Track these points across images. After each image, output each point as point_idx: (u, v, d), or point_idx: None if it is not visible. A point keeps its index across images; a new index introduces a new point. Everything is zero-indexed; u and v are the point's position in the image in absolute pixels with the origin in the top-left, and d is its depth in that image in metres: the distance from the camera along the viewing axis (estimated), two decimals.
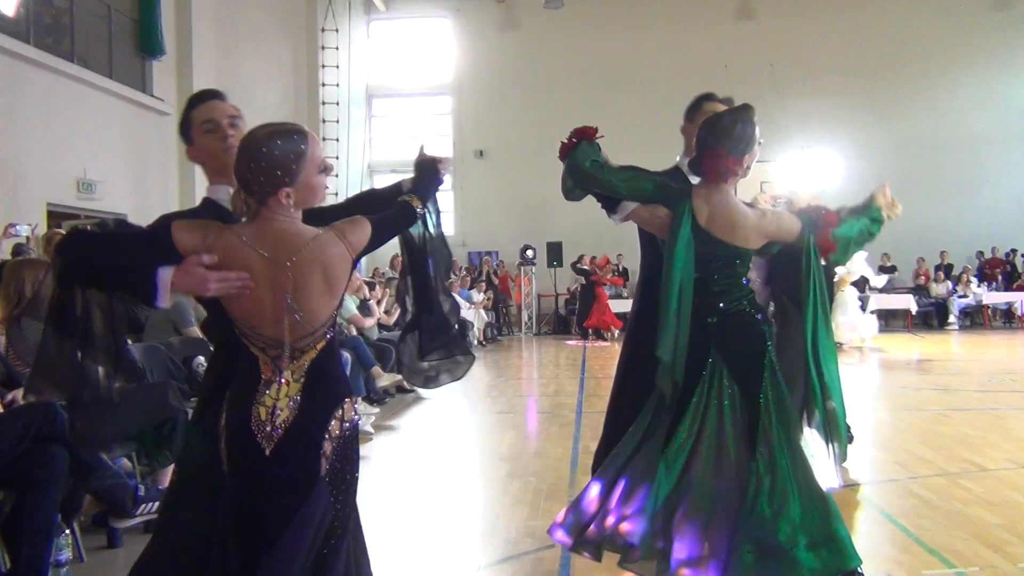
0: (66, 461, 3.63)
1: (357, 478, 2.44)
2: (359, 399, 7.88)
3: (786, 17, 21.41)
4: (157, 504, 4.04)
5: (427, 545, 4.37)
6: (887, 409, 8.25)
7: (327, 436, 2.32)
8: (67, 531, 3.89)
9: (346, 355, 7.71)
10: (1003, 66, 21.19)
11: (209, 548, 2.35)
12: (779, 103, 20.99)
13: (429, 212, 2.73)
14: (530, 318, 19.96)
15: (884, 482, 5.36)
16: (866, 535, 4.38)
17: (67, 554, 3.86)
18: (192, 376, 6.19)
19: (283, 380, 2.33)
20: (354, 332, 8.91)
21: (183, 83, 14.52)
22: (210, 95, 2.67)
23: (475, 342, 15.54)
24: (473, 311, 16.11)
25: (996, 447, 6.26)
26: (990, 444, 6.37)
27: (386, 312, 10.40)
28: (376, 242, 2.46)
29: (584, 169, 3.25)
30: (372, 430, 7.20)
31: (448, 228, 22.59)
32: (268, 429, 2.29)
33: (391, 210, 2.60)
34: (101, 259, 2.27)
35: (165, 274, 2.25)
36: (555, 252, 19.66)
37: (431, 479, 5.89)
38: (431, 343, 2.87)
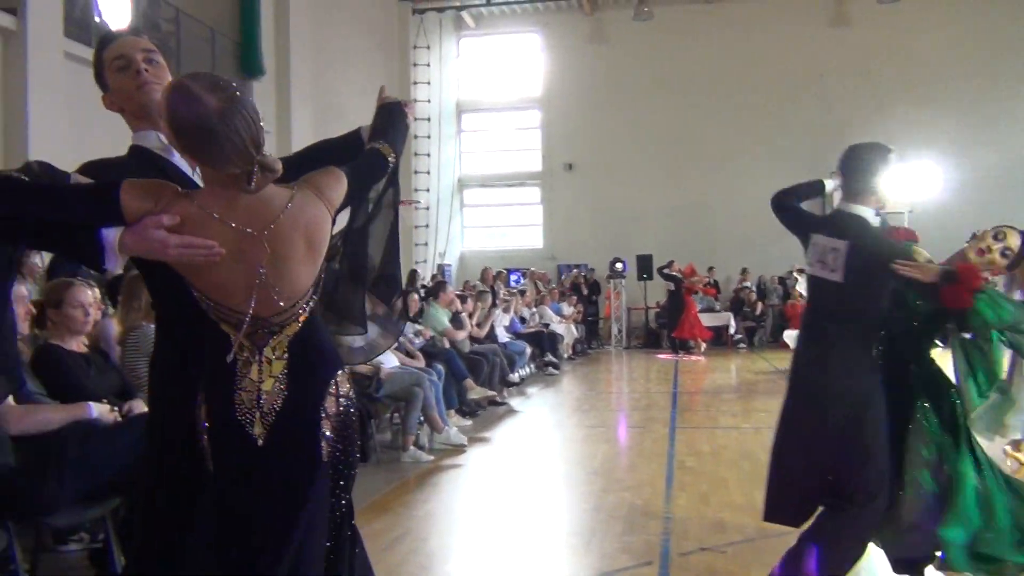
0: None
1: (356, 462, 2.19)
2: (452, 411, 7.97)
3: (883, 24, 20.77)
4: None
5: (521, 558, 4.37)
6: None
7: (324, 415, 2.07)
8: None
9: (440, 367, 7.80)
10: None
11: (201, 562, 2.05)
12: (876, 112, 20.40)
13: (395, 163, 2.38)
14: (620, 331, 19.82)
15: None
16: None
17: None
18: None
19: (263, 359, 2.04)
20: (447, 344, 8.99)
21: (282, 102, 14.99)
22: (124, 33, 2.36)
23: (564, 355, 15.50)
24: (563, 325, 16.09)
25: None
26: None
27: (478, 325, 10.48)
28: (352, 198, 2.20)
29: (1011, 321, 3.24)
30: (466, 441, 7.25)
31: (537, 241, 22.80)
32: (256, 415, 2.01)
33: (362, 160, 2.30)
34: (34, 211, 1.94)
35: (111, 235, 1.96)
36: (645, 265, 19.50)
37: (525, 492, 5.89)
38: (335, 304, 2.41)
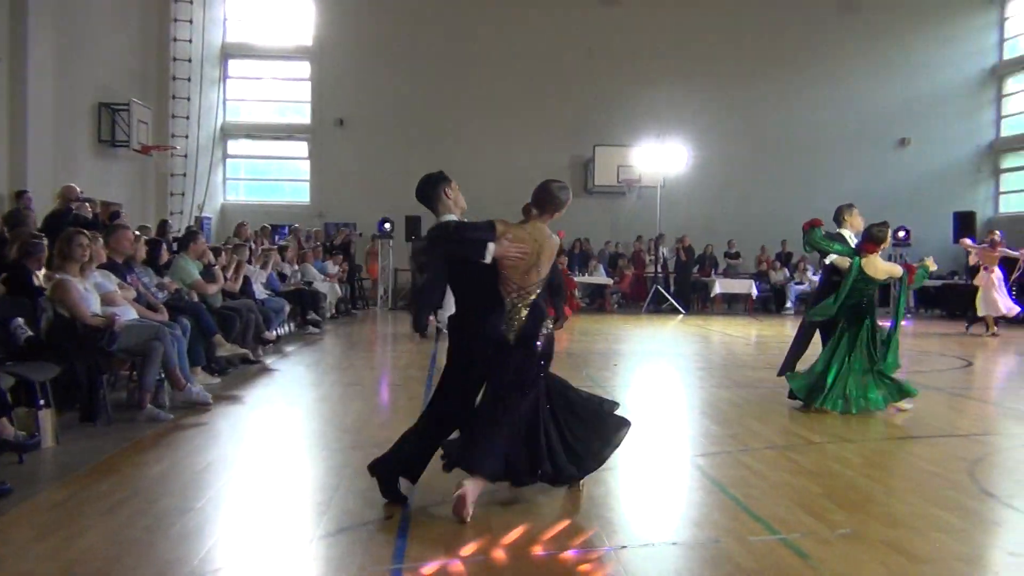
0: None
1: (552, 354, 4.47)
2: (199, 368, 7.54)
3: (649, 7, 21.89)
4: None
5: (263, 517, 4.19)
6: (725, 386, 8.58)
7: (542, 332, 4.35)
8: None
9: (186, 322, 7.34)
10: (846, 67, 22.44)
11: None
12: (639, 91, 21.50)
13: None
14: (386, 292, 19.71)
15: (718, 454, 5.55)
16: (698, 504, 4.51)
17: None
18: (10, 337, 5.74)
19: (519, 307, 4.30)
20: (195, 298, 8.50)
21: (16, 27, 13.46)
22: None
23: (328, 315, 15.19)
24: (327, 283, 15.73)
25: (821, 422, 6.61)
26: (816, 419, 6.72)
27: (231, 279, 9.97)
28: None
29: (817, 242, 7.17)
30: (211, 399, 6.87)
31: (303, 197, 22.10)
32: (512, 335, 4.28)
33: None
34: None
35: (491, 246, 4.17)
36: (414, 226, 19.44)
37: (271, 450, 5.68)
38: None
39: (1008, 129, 23.25)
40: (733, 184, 21.66)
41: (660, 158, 19.29)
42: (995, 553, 3.88)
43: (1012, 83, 23.29)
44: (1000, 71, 23.28)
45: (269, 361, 9.78)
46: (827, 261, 7.52)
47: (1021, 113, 22.99)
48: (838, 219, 7.63)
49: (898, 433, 6.43)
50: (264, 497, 4.54)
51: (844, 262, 7.15)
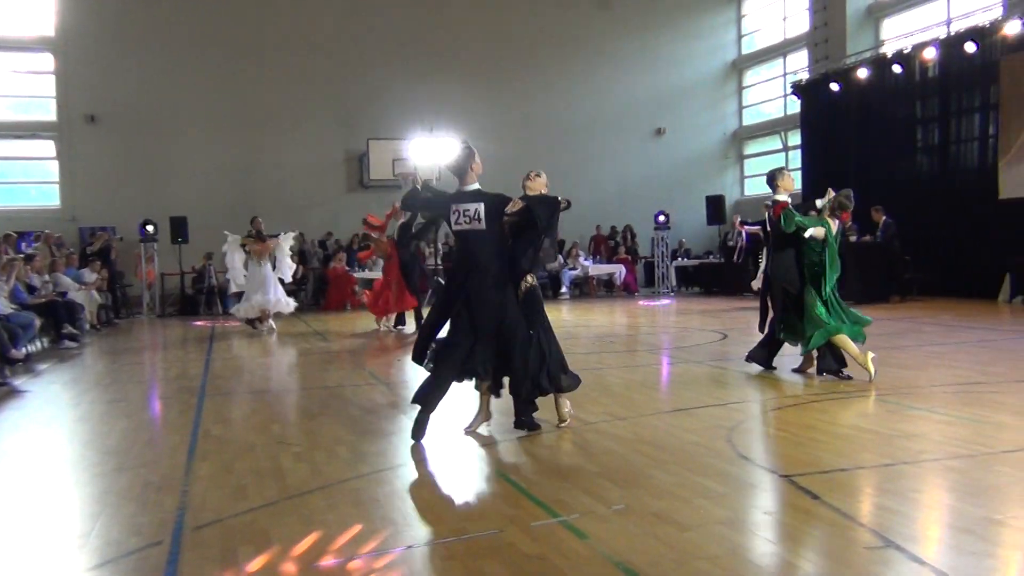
0: None
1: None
2: None
3: (415, 1, 21.94)
4: None
5: (13, 558, 3.79)
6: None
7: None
8: None
9: None
10: (603, 60, 23.60)
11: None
12: (409, 84, 21.51)
13: None
14: (152, 299, 18.55)
15: (501, 442, 5.65)
16: (483, 495, 4.57)
17: None
18: None
19: None
20: None
21: None
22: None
23: (87, 327, 14.07)
24: (84, 293, 14.56)
25: (597, 403, 6.89)
26: (592, 400, 6.99)
27: None
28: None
29: (800, 223, 7.59)
30: None
31: (52, 200, 20.32)
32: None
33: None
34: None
35: None
36: (179, 228, 18.42)
37: (22, 481, 5.16)
38: None
39: (749, 118, 25.41)
40: (513, 175, 22.17)
41: (434, 150, 19.40)
42: (752, 513, 4.20)
43: (750, 75, 25.45)
44: (739, 64, 25.35)
45: (18, 382, 8.93)
46: (807, 235, 7.64)
47: (759, 104, 25.19)
48: (772, 184, 8.07)
49: (665, 407, 6.84)
50: (14, 535, 4.11)
51: (821, 232, 7.59)
